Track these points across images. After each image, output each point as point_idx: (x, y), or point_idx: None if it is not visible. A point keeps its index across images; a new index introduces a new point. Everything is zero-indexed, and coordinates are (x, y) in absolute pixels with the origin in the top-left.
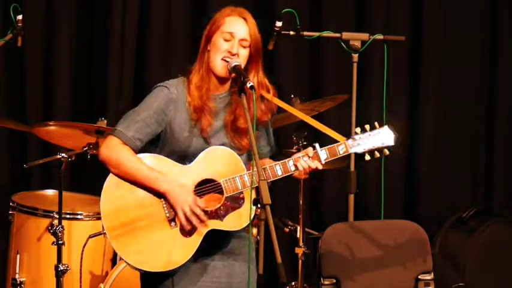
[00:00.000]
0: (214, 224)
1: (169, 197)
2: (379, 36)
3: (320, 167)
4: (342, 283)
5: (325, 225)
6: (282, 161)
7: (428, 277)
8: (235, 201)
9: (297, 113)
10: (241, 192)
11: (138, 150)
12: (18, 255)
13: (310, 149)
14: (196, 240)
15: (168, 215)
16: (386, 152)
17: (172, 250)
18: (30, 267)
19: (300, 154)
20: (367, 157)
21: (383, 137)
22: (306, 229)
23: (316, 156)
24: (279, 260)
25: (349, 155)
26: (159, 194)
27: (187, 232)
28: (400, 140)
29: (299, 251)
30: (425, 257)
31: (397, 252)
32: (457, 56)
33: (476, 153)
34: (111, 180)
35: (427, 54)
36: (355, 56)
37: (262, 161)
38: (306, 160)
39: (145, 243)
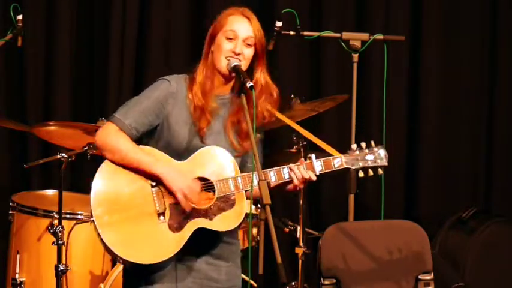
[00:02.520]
0: (203, 223)
1: (165, 178)
2: (379, 36)
3: (314, 178)
4: (342, 283)
5: (325, 225)
6: (276, 168)
7: (428, 277)
8: (226, 203)
9: (294, 125)
10: (233, 194)
11: (133, 140)
12: (18, 255)
13: (302, 159)
14: (183, 237)
15: (158, 208)
16: (380, 171)
17: (158, 244)
18: (30, 267)
19: (296, 164)
20: (361, 173)
21: (377, 156)
22: (306, 229)
23: (311, 167)
24: (279, 260)
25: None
26: (150, 187)
27: (175, 228)
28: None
29: (299, 251)
30: (425, 257)
31: (397, 252)
32: (457, 56)
33: (476, 153)
34: (103, 169)
35: (427, 54)
36: (355, 56)
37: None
38: (300, 169)
39: (132, 234)
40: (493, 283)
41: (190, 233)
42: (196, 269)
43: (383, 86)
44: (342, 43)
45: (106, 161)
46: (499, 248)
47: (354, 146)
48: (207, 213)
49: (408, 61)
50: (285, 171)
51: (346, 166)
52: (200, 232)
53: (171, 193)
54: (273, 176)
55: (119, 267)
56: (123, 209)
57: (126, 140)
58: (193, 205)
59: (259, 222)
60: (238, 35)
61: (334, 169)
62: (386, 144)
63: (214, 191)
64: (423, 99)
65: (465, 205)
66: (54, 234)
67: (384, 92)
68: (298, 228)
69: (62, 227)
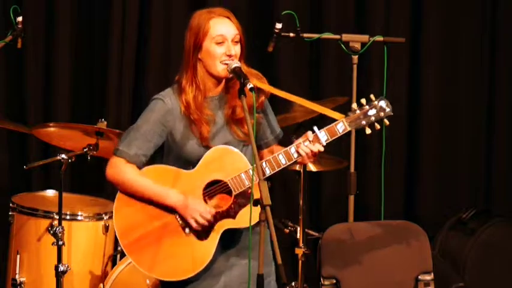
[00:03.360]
0: (228, 224)
1: (178, 209)
2: (379, 38)
3: (322, 149)
4: (342, 284)
5: (325, 225)
6: (284, 150)
7: (428, 277)
8: (245, 198)
9: (291, 97)
10: (250, 188)
11: (143, 165)
12: (18, 256)
13: (309, 132)
14: (213, 242)
15: (181, 222)
16: (387, 122)
17: (191, 255)
18: (30, 268)
19: (300, 140)
20: (368, 130)
21: (379, 108)
22: (306, 230)
23: (317, 139)
24: (279, 260)
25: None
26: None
27: (203, 236)
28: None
29: (299, 251)
30: (425, 257)
31: (397, 253)
32: (457, 55)
33: (476, 153)
34: (120, 198)
35: (427, 54)
36: (355, 58)
37: (269, 148)
38: (307, 144)
39: (162, 254)
40: (493, 283)
41: (219, 237)
42: (231, 266)
43: (383, 88)
44: (342, 45)
45: (119, 192)
46: (499, 248)
47: (354, 105)
48: (229, 214)
49: (408, 61)
50: (292, 150)
51: (350, 128)
52: (227, 232)
53: None
54: (282, 159)
55: (119, 267)
56: (148, 232)
57: (133, 173)
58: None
59: (259, 223)
60: (226, 38)
61: (340, 135)
62: (386, 145)
63: (230, 191)
64: (423, 99)
65: (465, 205)
66: (54, 235)
67: (383, 93)
68: (298, 229)
69: (62, 227)
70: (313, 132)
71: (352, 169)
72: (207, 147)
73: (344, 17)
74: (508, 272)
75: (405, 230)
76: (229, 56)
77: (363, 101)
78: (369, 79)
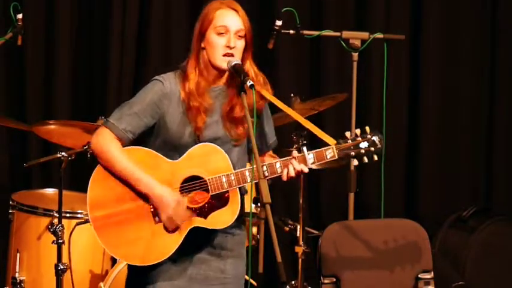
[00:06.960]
0: (198, 222)
1: (151, 199)
2: (379, 35)
3: (306, 170)
4: (342, 282)
5: (325, 224)
6: (269, 163)
7: (428, 276)
8: (220, 200)
9: (290, 111)
10: (227, 192)
11: (129, 142)
12: (18, 254)
13: (295, 151)
14: (179, 237)
15: (153, 210)
16: (375, 157)
17: (153, 245)
18: (30, 266)
19: (288, 158)
20: (355, 162)
21: (373, 142)
22: (306, 228)
23: (303, 160)
24: (279, 259)
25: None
26: None
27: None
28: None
29: (299, 249)
30: (425, 255)
31: (397, 251)
32: (457, 55)
33: (477, 153)
34: (99, 171)
35: (427, 54)
36: (355, 55)
37: (260, 158)
38: (292, 162)
39: (127, 236)
40: (493, 282)
41: (186, 232)
42: (200, 261)
43: (383, 86)
44: (342, 42)
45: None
46: (499, 247)
47: (347, 133)
48: (201, 212)
49: (408, 61)
50: (277, 165)
51: (338, 157)
52: (201, 227)
53: None
54: (266, 170)
55: (119, 266)
56: (119, 211)
57: (117, 150)
58: (178, 221)
59: (259, 221)
60: (229, 29)
61: (327, 160)
62: (387, 144)
63: (207, 190)
64: (423, 99)
65: (465, 205)
66: (54, 233)
67: (383, 91)
68: (298, 227)
69: (62, 225)
70: (302, 152)
71: (352, 167)
72: (199, 135)
73: (344, 14)
74: (508, 271)
75: (405, 228)
76: (229, 47)
77: (357, 131)
78: (368, 76)
